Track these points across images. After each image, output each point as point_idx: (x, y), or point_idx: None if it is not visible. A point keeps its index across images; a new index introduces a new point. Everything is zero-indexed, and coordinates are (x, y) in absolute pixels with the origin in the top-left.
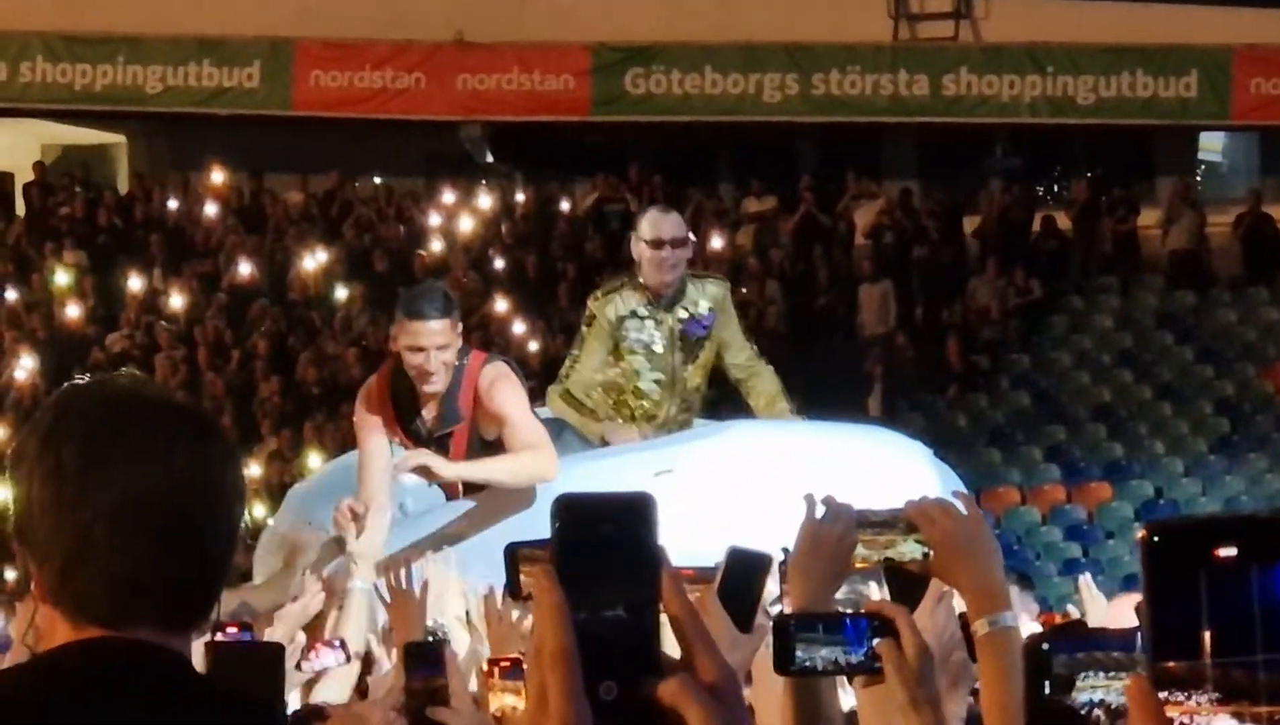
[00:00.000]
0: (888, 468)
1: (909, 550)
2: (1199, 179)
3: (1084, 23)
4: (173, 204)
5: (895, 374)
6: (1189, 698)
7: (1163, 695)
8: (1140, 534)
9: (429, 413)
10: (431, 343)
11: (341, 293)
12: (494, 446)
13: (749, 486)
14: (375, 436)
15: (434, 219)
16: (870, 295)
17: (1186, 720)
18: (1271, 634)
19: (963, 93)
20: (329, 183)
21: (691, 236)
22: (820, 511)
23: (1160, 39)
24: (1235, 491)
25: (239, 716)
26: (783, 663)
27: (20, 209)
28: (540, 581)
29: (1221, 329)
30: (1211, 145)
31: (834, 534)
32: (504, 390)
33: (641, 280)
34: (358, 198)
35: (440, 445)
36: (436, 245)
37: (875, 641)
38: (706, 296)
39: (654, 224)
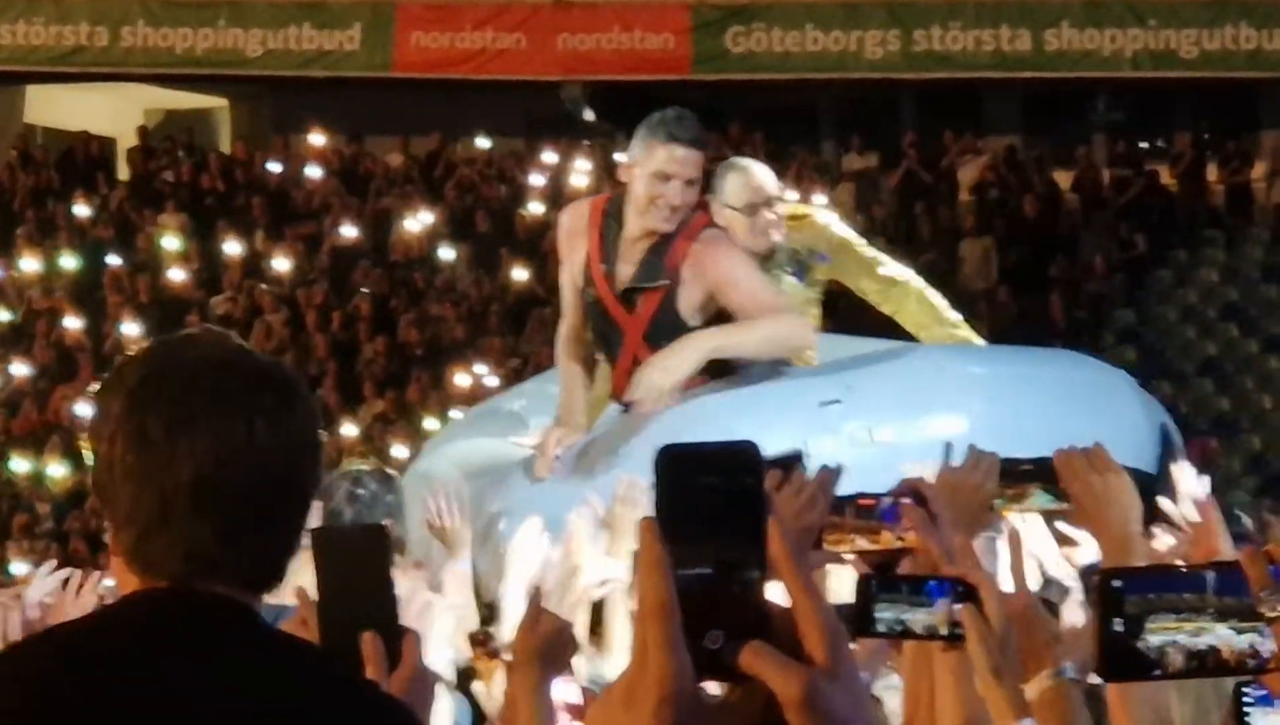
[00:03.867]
0: (1093, 396)
1: (1038, 502)
2: None
3: None
4: (274, 167)
5: (999, 330)
6: None
7: None
8: None
9: (626, 263)
10: (682, 173)
11: (444, 254)
12: (684, 331)
13: (928, 418)
14: (569, 288)
15: (536, 179)
16: (972, 250)
17: None
18: None
19: (1065, 47)
20: (430, 144)
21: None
22: (959, 458)
23: None
24: None
25: (303, 667)
26: (861, 625)
27: (123, 174)
28: (641, 535)
29: None
30: None
31: (971, 482)
32: (726, 249)
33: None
34: (459, 159)
35: (626, 302)
36: (538, 206)
37: (957, 607)
38: None
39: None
